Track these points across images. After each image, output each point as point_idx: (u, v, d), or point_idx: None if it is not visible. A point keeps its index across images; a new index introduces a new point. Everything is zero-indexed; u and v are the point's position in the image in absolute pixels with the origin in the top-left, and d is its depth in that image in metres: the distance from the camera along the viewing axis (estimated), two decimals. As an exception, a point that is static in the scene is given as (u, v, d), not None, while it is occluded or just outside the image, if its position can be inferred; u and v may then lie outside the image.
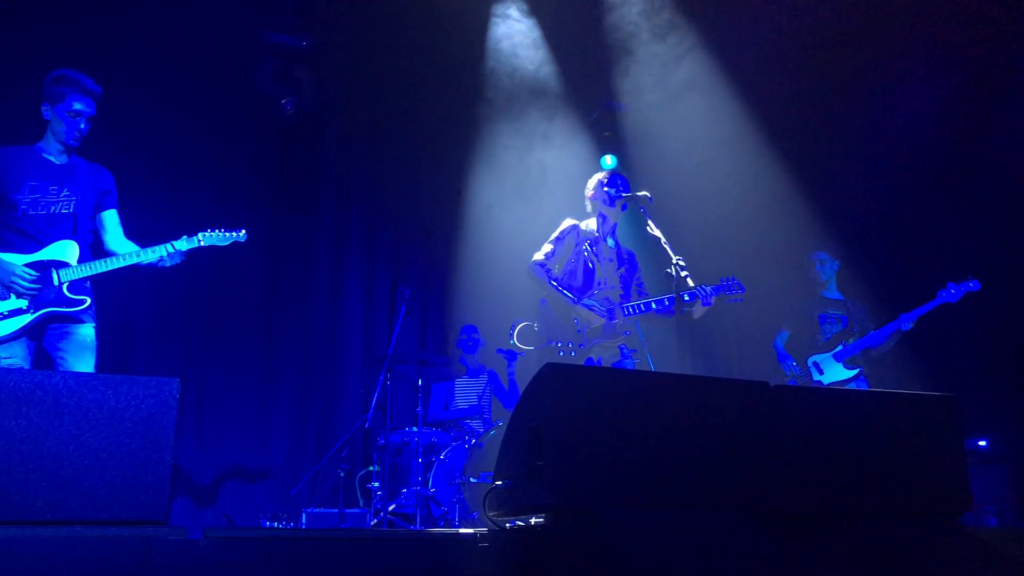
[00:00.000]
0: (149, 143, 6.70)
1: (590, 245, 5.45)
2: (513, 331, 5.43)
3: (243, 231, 4.87)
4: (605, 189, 5.50)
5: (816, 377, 6.37)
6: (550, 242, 5.47)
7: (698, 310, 5.20)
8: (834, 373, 6.35)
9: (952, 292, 6.15)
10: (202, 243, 4.70)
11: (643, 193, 5.23)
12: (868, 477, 3.29)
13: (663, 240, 4.94)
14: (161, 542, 2.48)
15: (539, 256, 5.42)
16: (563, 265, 5.47)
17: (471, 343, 7.22)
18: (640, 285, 5.60)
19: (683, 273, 4.87)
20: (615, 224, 5.60)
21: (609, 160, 7.92)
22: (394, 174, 8.10)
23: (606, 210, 5.52)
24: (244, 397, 6.95)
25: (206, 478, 6.71)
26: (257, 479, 6.91)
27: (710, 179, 7.80)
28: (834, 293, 6.72)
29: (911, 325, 6.16)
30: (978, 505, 3.59)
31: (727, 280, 5.25)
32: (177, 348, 6.75)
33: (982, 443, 6.83)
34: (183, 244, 4.64)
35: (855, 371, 6.31)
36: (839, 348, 6.40)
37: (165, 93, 6.85)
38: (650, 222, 5.01)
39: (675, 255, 4.89)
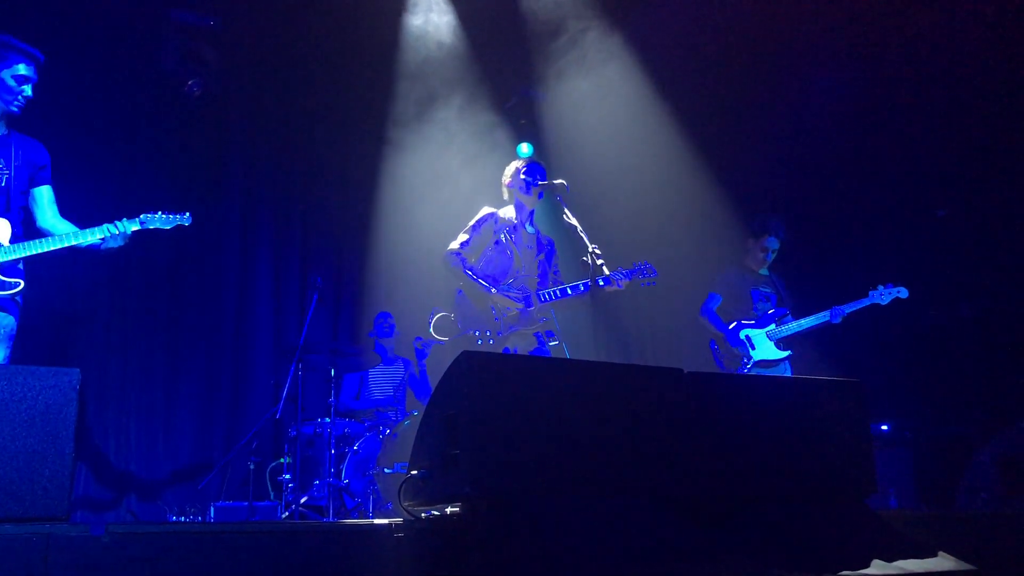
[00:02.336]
0: (43, 122, 6.36)
1: (509, 233, 5.46)
2: (431, 320, 5.43)
3: (187, 214, 4.66)
4: (522, 176, 5.50)
5: (747, 351, 6.31)
6: (466, 231, 5.46)
7: (612, 292, 5.26)
8: (766, 351, 6.30)
9: (883, 294, 6.24)
10: (147, 226, 4.47)
11: (559, 181, 5.22)
12: (779, 462, 3.37)
13: (579, 228, 4.94)
14: (60, 539, 2.41)
15: (454, 245, 5.41)
16: (480, 253, 5.47)
17: (387, 327, 7.18)
18: (557, 273, 5.62)
19: (599, 262, 4.89)
20: (532, 211, 5.60)
21: (526, 148, 7.92)
22: (304, 159, 7.98)
23: (523, 198, 5.52)
24: (149, 388, 6.83)
25: (109, 472, 6.56)
26: (163, 473, 6.76)
27: (626, 168, 7.86)
28: (765, 270, 6.71)
29: (840, 320, 6.21)
30: (880, 487, 3.71)
31: (640, 265, 5.31)
32: (78, 338, 6.59)
33: (884, 427, 7.04)
34: (126, 225, 4.39)
35: (786, 353, 6.28)
36: (772, 327, 6.37)
37: (63, 70, 6.48)
38: (566, 210, 5.06)
39: (591, 243, 4.91)
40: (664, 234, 7.83)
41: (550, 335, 5.38)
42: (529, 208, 5.57)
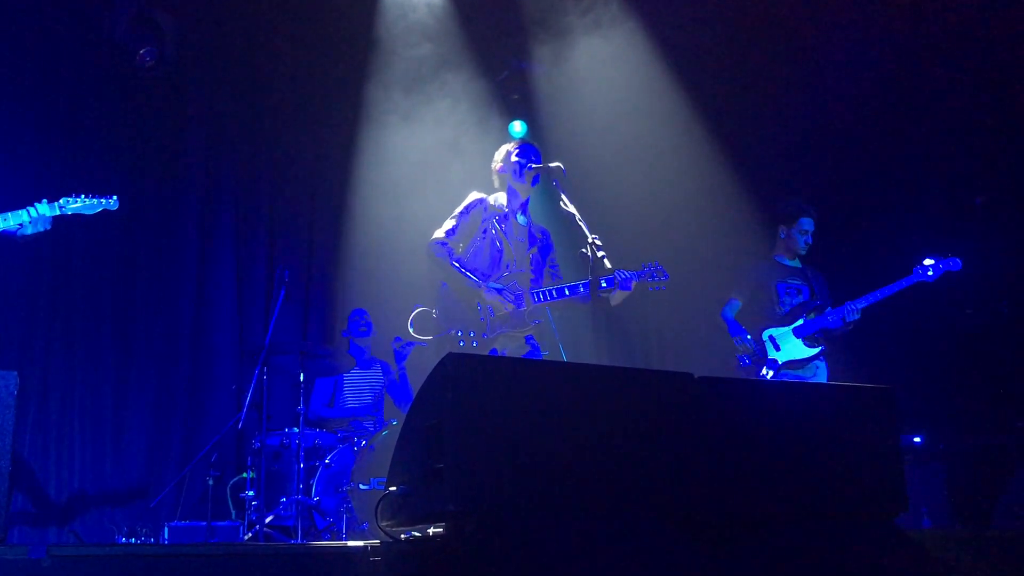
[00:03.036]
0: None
1: (498, 222, 5.48)
2: (410, 318, 5.43)
3: (114, 198, 4.64)
4: (514, 160, 5.51)
5: (772, 354, 6.24)
6: (453, 217, 5.49)
7: (616, 296, 5.26)
8: (793, 350, 6.25)
9: (928, 270, 6.14)
10: (66, 210, 4.42)
11: (556, 164, 5.24)
12: (799, 476, 3.37)
13: (577, 217, 4.95)
14: (-4, 563, 2.42)
15: (439, 234, 5.43)
16: (467, 244, 5.49)
17: (363, 326, 7.22)
18: (554, 267, 5.65)
19: (600, 254, 4.90)
20: (526, 200, 5.62)
21: (518, 127, 7.92)
22: (272, 139, 7.95)
23: (515, 183, 5.54)
24: (96, 393, 6.82)
25: (51, 488, 6.54)
26: (112, 489, 6.66)
27: (632, 151, 7.83)
28: (795, 263, 6.56)
29: (862, 308, 6.16)
30: (912, 505, 3.76)
31: (649, 266, 5.32)
32: (15, 337, 6.57)
33: (916, 439, 7.03)
34: (46, 209, 4.34)
35: (817, 349, 6.27)
36: (800, 322, 6.31)
37: (3, 36, 6.63)
38: (564, 197, 5.02)
39: (590, 233, 4.92)
40: (675, 225, 7.83)
41: (543, 340, 5.46)
42: (523, 196, 5.59)
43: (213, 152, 7.69)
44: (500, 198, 5.59)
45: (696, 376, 3.36)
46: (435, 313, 5.34)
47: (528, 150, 5.55)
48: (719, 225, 7.77)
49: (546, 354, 5.36)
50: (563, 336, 5.50)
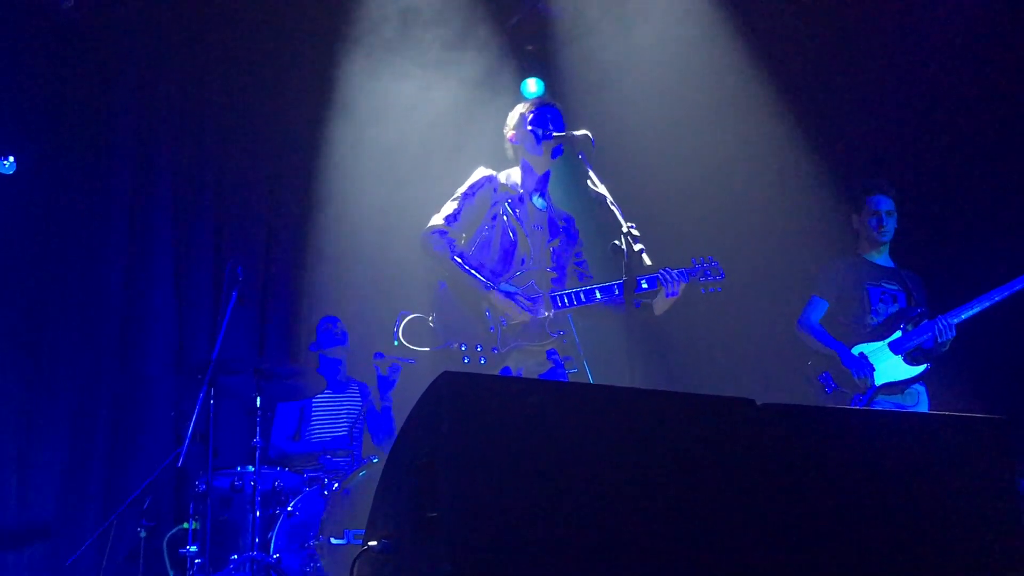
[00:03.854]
0: None
1: (511, 205, 5.54)
2: (398, 326, 5.42)
3: (10, 159, 4.67)
4: (529, 128, 5.55)
5: (866, 374, 6.25)
6: (454, 199, 5.55)
7: (660, 302, 5.29)
8: (891, 370, 6.26)
9: None
10: None
11: (582, 133, 5.23)
12: (889, 526, 3.35)
13: (609, 199, 4.83)
14: None
15: (437, 220, 5.48)
16: (472, 234, 5.56)
17: (336, 335, 7.37)
18: (581, 264, 5.70)
19: (637, 247, 4.77)
20: (545, 177, 5.66)
21: (534, 86, 8.01)
22: (222, 102, 8.06)
23: (531, 157, 5.58)
24: (-1, 419, 6.76)
25: (-61, 538, 6.66)
26: (15, 540, 6.67)
27: (680, 119, 7.87)
28: (885, 258, 6.64)
29: (957, 323, 6.18)
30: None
31: (702, 262, 5.36)
32: None
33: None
34: None
35: (920, 368, 6.29)
36: (897, 335, 6.34)
37: None
38: (592, 174, 4.96)
39: (626, 221, 4.86)
40: (733, 214, 7.88)
41: (567, 356, 5.48)
42: (540, 172, 5.64)
43: (147, 116, 7.73)
44: (514, 175, 5.64)
45: (760, 403, 3.34)
46: (432, 320, 5.35)
47: (546, 113, 5.58)
48: (790, 216, 7.85)
49: (572, 373, 5.40)
50: (590, 352, 5.51)
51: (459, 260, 5.35)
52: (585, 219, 5.83)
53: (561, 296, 5.35)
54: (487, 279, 5.31)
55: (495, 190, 5.55)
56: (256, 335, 8.04)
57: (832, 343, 6.37)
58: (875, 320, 6.42)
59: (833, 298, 6.53)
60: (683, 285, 5.24)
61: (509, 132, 5.69)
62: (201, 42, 7.92)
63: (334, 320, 7.43)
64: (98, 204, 7.44)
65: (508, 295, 5.29)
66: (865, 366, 6.24)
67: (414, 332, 5.39)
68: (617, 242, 4.76)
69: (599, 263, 5.67)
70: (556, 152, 5.52)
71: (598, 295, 5.29)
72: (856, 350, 6.32)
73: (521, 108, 5.68)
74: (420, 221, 5.58)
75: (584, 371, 5.43)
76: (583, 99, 7.80)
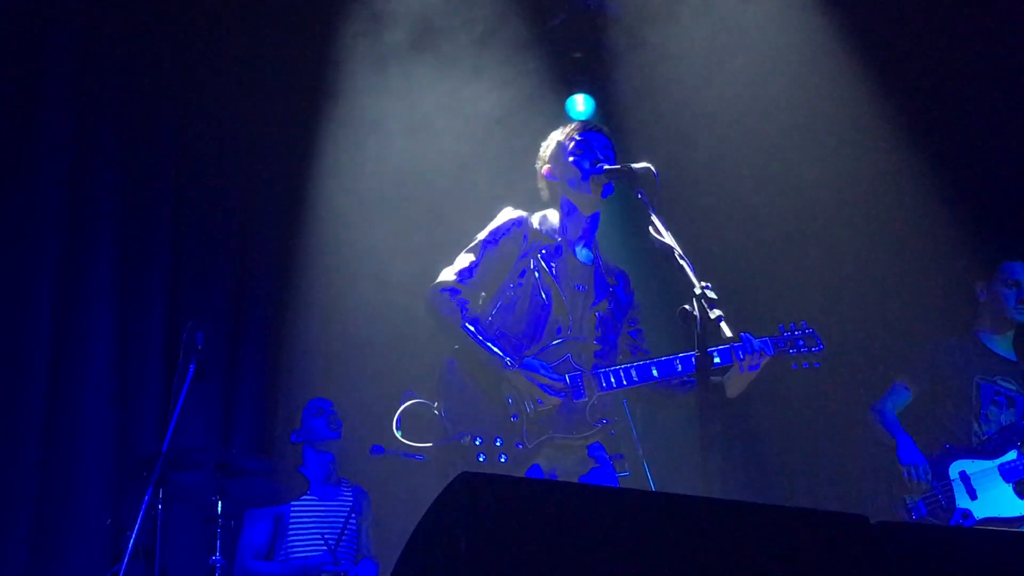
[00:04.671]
0: None
1: (545, 258, 5.51)
2: (398, 415, 5.39)
3: None
4: (571, 160, 5.57)
5: (962, 502, 6.24)
6: (472, 249, 5.53)
7: (735, 380, 5.26)
8: (999, 502, 6.27)
9: None
10: None
11: (643, 166, 5.18)
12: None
13: (677, 252, 4.73)
14: None
15: (448, 276, 5.46)
16: (493, 294, 5.53)
17: (329, 424, 7.41)
18: (636, 334, 5.71)
19: (714, 313, 4.61)
20: (593, 221, 5.65)
21: (582, 104, 8.10)
22: (185, 116, 8.10)
23: (575, 196, 5.57)
24: None
25: None
26: None
27: (769, 143, 7.91)
28: (1008, 347, 6.70)
29: None
30: None
31: (792, 329, 5.35)
32: None
33: None
34: None
35: None
36: (1011, 456, 6.32)
37: None
38: (655, 219, 4.88)
39: (699, 280, 4.69)
40: (833, 273, 7.89)
41: (618, 454, 5.46)
42: (586, 214, 5.63)
43: (83, 128, 7.71)
44: (551, 219, 5.63)
45: (874, 522, 3.31)
46: (438, 409, 5.32)
47: (592, 141, 5.59)
48: (908, 280, 7.85)
49: (624, 477, 5.37)
50: (649, 446, 5.52)
51: (471, 328, 5.29)
52: (644, 277, 5.86)
53: (607, 373, 5.31)
54: (507, 353, 5.25)
55: (525, 238, 5.53)
56: (220, 420, 8.03)
57: (897, 431, 6.41)
58: (984, 430, 6.44)
59: (926, 388, 6.59)
60: (767, 358, 5.22)
61: (544, 166, 5.69)
62: (150, 43, 8.02)
63: (326, 404, 7.48)
64: (17, 247, 7.39)
65: (535, 370, 5.24)
66: (957, 488, 6.25)
67: (416, 423, 5.38)
68: (688, 307, 4.64)
69: (662, 333, 5.72)
70: (607, 190, 5.50)
71: (655, 372, 5.27)
72: (955, 467, 6.32)
73: (559, 135, 5.68)
74: (430, 275, 5.56)
75: (643, 472, 5.50)
76: (645, 122, 7.86)
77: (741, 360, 5.14)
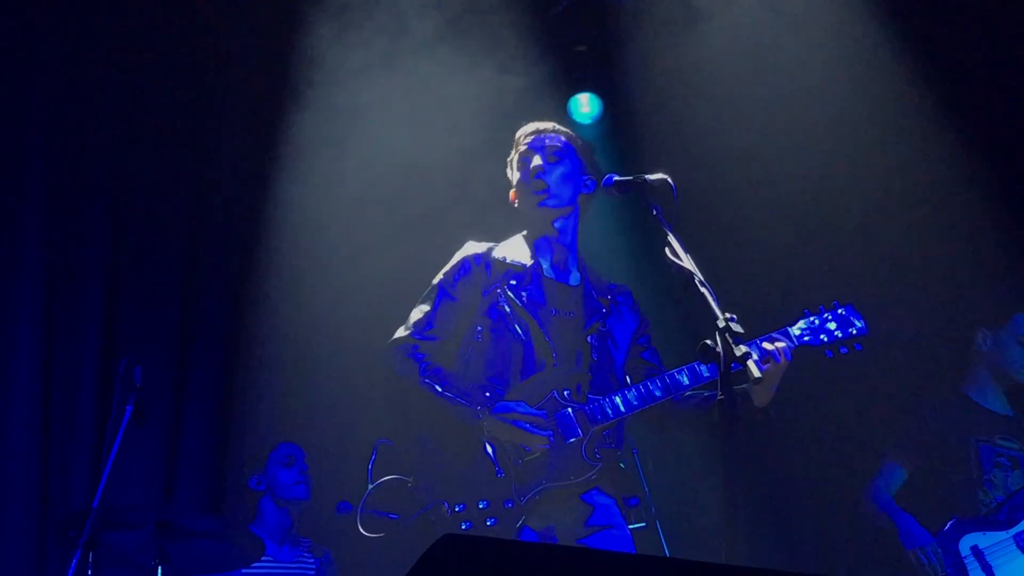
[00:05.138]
0: None
1: (515, 289, 5.65)
2: (373, 464, 5.51)
3: None
4: (518, 174, 5.90)
5: None
6: (425, 300, 5.75)
7: (764, 380, 4.96)
8: None
9: None
10: None
11: (658, 177, 5.10)
12: None
13: (698, 278, 4.69)
14: None
15: (400, 334, 5.67)
16: (460, 343, 5.70)
17: (298, 480, 7.47)
18: (650, 355, 5.82)
19: (740, 350, 4.48)
20: (569, 230, 5.82)
21: (587, 105, 8.13)
22: (124, 118, 8.09)
23: (538, 213, 5.79)
24: None
25: None
26: None
27: (805, 158, 7.89)
28: (1003, 405, 6.78)
29: None
30: None
31: (822, 312, 5.42)
32: None
33: None
34: None
35: None
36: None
37: None
38: (673, 239, 4.84)
39: (722, 311, 4.55)
40: (872, 295, 7.55)
41: (632, 498, 5.62)
42: (555, 226, 5.81)
43: (15, 133, 7.77)
44: (518, 244, 5.82)
45: None
46: (413, 483, 5.42)
47: (538, 148, 5.84)
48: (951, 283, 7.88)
49: (639, 528, 5.44)
50: (661, 491, 5.66)
51: (430, 382, 5.41)
52: (660, 305, 5.93)
53: (601, 403, 5.37)
54: (474, 400, 5.34)
55: (487, 272, 5.67)
56: (162, 471, 7.97)
57: (896, 513, 6.52)
58: (990, 496, 6.52)
59: (919, 462, 6.70)
60: (803, 347, 5.30)
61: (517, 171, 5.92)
62: (84, 34, 8.04)
63: (299, 453, 7.55)
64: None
65: (508, 412, 5.31)
66: (932, 547, 6.31)
67: (389, 497, 5.45)
68: (710, 342, 4.54)
69: (675, 358, 5.60)
70: (590, 187, 5.79)
71: (657, 391, 5.32)
72: (966, 541, 6.31)
73: (518, 139, 5.98)
74: (405, 295, 5.80)
75: (652, 525, 5.63)
76: (661, 125, 7.88)
77: (764, 351, 5.13)
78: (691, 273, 4.70)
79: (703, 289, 4.64)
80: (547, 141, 5.79)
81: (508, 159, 5.98)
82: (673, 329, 5.85)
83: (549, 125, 5.97)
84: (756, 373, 4.54)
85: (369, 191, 7.96)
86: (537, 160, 5.70)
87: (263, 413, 8.06)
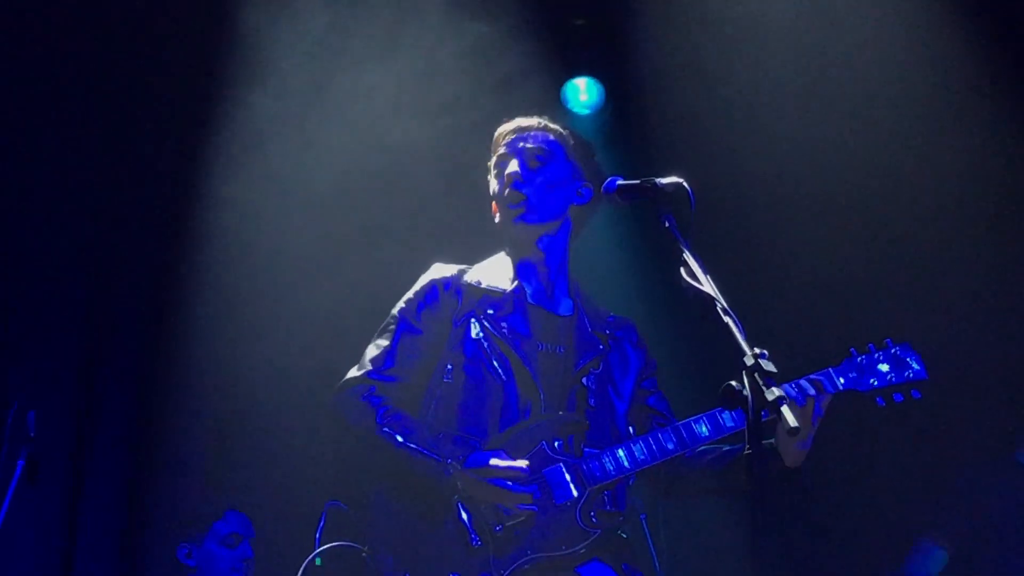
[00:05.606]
0: None
1: (492, 319, 5.50)
2: (318, 539, 5.48)
3: None
4: (493, 176, 5.76)
5: None
6: (383, 334, 5.55)
7: (794, 436, 4.78)
8: None
9: None
10: None
11: (672, 181, 4.83)
12: None
13: (721, 304, 4.41)
14: None
15: (353, 375, 5.44)
16: (426, 385, 5.46)
17: (233, 568, 7.41)
18: (656, 401, 5.63)
19: (773, 394, 4.20)
20: (559, 250, 5.64)
21: (585, 92, 7.95)
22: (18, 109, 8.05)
23: (547, 227, 5.59)
24: None
25: None
26: None
27: (851, 144, 7.73)
28: None
29: None
30: None
31: (872, 351, 5.32)
32: None
33: None
34: None
35: None
36: None
37: None
38: (688, 257, 4.59)
39: (750, 345, 4.26)
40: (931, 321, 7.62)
41: (635, 571, 5.32)
42: (544, 243, 5.63)
43: None
44: (497, 265, 5.68)
45: None
46: (368, 553, 5.20)
47: (515, 151, 5.68)
48: None
49: None
50: (676, 564, 5.53)
51: (390, 431, 5.15)
52: (672, 338, 5.72)
53: (601, 458, 5.19)
54: (446, 452, 5.11)
55: (459, 299, 5.50)
56: (59, 542, 7.89)
57: None
58: None
59: (965, 544, 6.75)
60: (827, 398, 5.09)
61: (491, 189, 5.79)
62: None
63: (245, 528, 7.48)
64: None
65: (484, 466, 5.07)
66: None
67: (339, 570, 5.43)
68: (735, 384, 4.18)
69: (692, 404, 5.39)
70: (585, 196, 5.61)
71: (670, 445, 5.16)
72: None
73: (497, 139, 5.79)
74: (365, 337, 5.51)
75: None
76: (675, 116, 7.75)
77: (814, 390, 5.01)
78: (712, 298, 4.41)
79: (726, 318, 4.35)
80: (528, 142, 5.61)
81: (488, 163, 5.74)
82: (686, 370, 5.74)
83: (534, 121, 5.76)
84: (792, 422, 4.13)
85: (313, 199, 7.92)
86: (514, 166, 5.51)
87: (189, 470, 7.93)
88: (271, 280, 7.87)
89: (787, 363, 4.61)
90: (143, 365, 8.14)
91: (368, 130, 7.88)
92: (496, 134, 5.79)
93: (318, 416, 6.51)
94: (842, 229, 7.71)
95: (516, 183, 5.47)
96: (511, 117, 5.86)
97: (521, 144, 5.64)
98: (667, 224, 4.71)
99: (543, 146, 5.62)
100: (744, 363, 4.14)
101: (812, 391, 5.02)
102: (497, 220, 5.64)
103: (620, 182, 5.07)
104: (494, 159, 5.70)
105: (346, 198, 7.93)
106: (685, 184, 4.74)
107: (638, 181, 4.96)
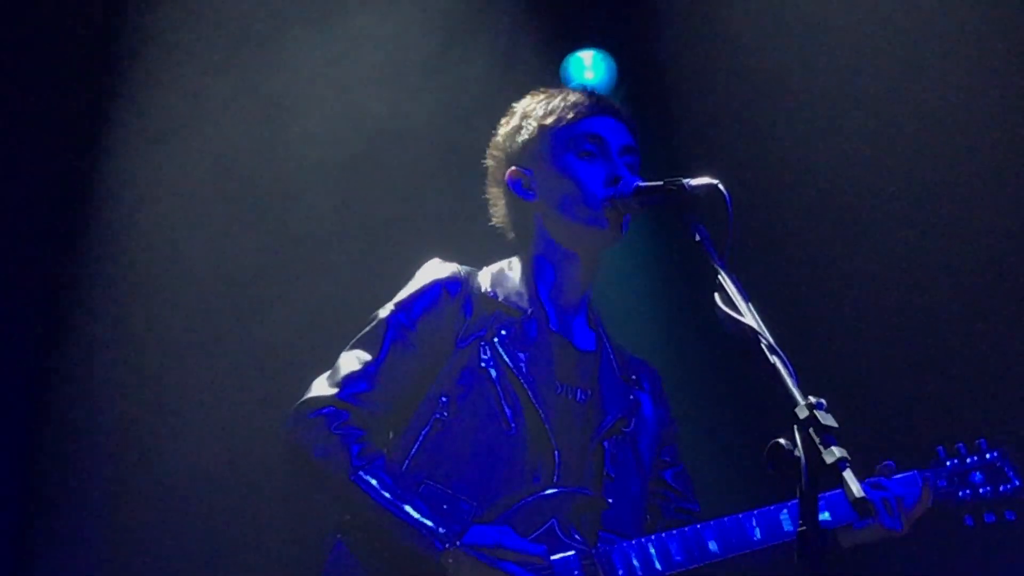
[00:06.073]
0: None
1: (506, 345, 5.30)
2: None
3: None
4: (570, 162, 5.49)
5: None
6: (365, 341, 5.28)
7: (865, 533, 5.11)
8: None
9: None
10: None
11: (704, 182, 4.73)
12: None
13: (766, 340, 4.10)
14: None
15: (321, 391, 5.15)
16: (412, 416, 5.23)
17: None
18: (675, 477, 5.63)
19: (833, 455, 3.78)
20: (588, 274, 5.53)
21: (591, 68, 7.93)
22: None
23: (570, 229, 5.45)
24: None
25: None
26: None
27: (930, 145, 7.67)
28: None
29: None
30: None
31: (964, 454, 5.34)
32: None
33: None
34: None
35: None
36: None
37: None
38: (725, 279, 4.31)
39: (803, 396, 3.94)
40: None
41: None
42: (587, 264, 5.54)
43: None
44: (512, 273, 5.53)
45: None
46: None
47: (609, 132, 5.48)
48: None
49: None
50: None
51: (369, 481, 4.91)
52: (700, 378, 5.56)
53: (627, 552, 5.05)
54: (441, 522, 4.86)
55: (467, 311, 5.31)
56: None
57: None
58: None
59: None
60: (921, 507, 5.17)
61: (507, 169, 5.58)
62: None
63: None
64: None
65: (486, 545, 4.84)
66: None
67: None
68: (784, 442, 3.86)
69: (726, 480, 5.38)
70: (627, 225, 5.41)
71: (713, 546, 5.08)
72: None
73: (539, 110, 5.59)
74: (321, 362, 5.33)
75: None
76: (704, 101, 7.68)
77: (884, 513, 5.03)
78: (755, 332, 4.09)
79: (773, 357, 4.04)
80: (623, 131, 5.45)
81: (531, 122, 5.53)
82: (715, 432, 5.50)
83: (623, 108, 5.64)
84: (858, 492, 3.72)
85: (289, 198, 7.91)
86: (613, 156, 5.32)
87: (81, 536, 7.66)
88: (190, 279, 7.77)
89: (854, 416, 4.50)
90: (27, 400, 7.86)
91: (340, 104, 7.76)
92: (565, 98, 5.54)
93: (264, 443, 6.69)
94: (934, 254, 7.39)
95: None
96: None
97: (614, 128, 5.44)
98: (698, 237, 4.50)
99: (632, 139, 5.46)
100: (796, 415, 3.80)
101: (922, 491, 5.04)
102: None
103: (640, 183, 5.09)
104: (563, 127, 5.43)
105: (311, 200, 7.86)
106: (721, 186, 4.63)
107: (660, 182, 4.92)
